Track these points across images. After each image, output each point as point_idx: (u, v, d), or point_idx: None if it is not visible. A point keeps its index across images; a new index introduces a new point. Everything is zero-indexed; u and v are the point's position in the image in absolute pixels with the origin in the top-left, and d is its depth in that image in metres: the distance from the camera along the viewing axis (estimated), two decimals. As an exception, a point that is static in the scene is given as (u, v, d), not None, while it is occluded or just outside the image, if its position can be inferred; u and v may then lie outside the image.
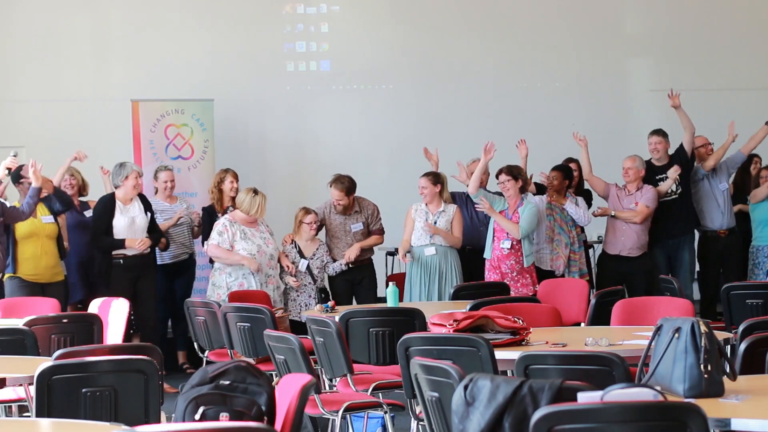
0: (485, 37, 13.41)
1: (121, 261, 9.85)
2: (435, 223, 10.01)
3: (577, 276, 10.24)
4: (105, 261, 9.89)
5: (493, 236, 9.92)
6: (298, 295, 10.08)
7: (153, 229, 10.00)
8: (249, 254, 9.62)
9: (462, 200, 10.54)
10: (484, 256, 9.98)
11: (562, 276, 10.20)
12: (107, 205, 9.91)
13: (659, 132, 10.81)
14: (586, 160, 10.56)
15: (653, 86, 13.60)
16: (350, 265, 10.27)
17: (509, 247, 9.81)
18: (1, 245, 9.19)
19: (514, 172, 9.94)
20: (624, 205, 10.50)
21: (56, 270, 9.85)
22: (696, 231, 10.94)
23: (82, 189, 10.50)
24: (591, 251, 11.65)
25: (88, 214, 10.31)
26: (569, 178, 10.61)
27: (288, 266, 9.96)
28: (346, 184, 10.29)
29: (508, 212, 9.90)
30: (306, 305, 9.99)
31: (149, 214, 10.00)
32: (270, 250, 9.77)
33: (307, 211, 10.27)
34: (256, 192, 9.72)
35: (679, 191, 10.70)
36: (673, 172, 10.60)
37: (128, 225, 9.85)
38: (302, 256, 10.15)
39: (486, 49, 13.42)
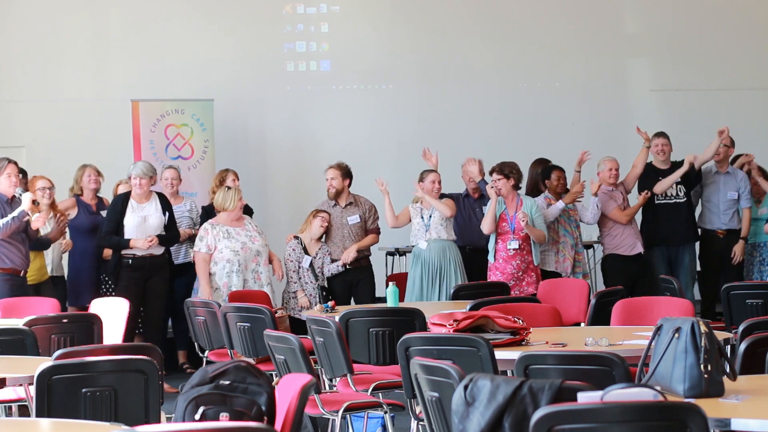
0: (486, 37, 13.40)
1: (130, 261, 9.83)
2: (430, 217, 9.98)
3: (581, 276, 10.19)
4: (114, 259, 9.88)
5: (497, 239, 9.85)
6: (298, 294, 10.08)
7: (169, 229, 9.95)
8: (232, 251, 9.63)
9: (459, 201, 10.55)
10: (489, 258, 9.90)
11: (568, 277, 10.13)
12: (118, 203, 9.91)
13: (665, 134, 10.79)
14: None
15: (653, 86, 13.60)
16: (348, 267, 10.27)
17: (517, 247, 9.75)
18: (23, 247, 9.16)
19: (505, 170, 9.82)
20: (619, 202, 10.49)
21: (43, 271, 9.81)
22: (698, 230, 10.92)
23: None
24: (590, 251, 11.64)
25: (104, 213, 10.34)
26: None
27: (275, 270, 9.93)
28: (343, 166, 10.39)
29: (508, 211, 9.82)
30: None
31: (167, 213, 9.95)
32: (256, 246, 9.75)
33: (320, 210, 10.30)
34: (228, 188, 9.83)
35: (684, 200, 10.67)
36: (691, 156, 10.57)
37: (138, 224, 9.80)
38: (306, 253, 10.14)
39: (486, 49, 13.41)
